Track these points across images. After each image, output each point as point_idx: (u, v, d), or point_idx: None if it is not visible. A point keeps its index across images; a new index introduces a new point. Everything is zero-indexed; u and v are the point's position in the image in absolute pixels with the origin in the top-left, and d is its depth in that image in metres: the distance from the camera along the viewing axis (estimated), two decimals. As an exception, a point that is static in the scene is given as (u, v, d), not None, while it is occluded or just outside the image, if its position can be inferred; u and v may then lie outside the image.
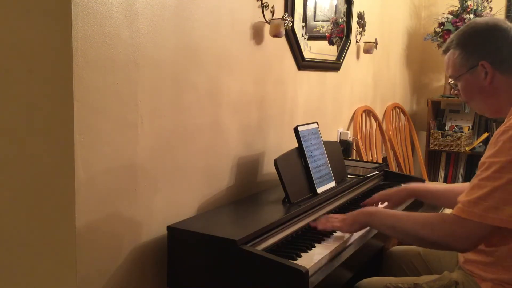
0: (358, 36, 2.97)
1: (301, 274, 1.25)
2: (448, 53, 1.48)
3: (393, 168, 3.41)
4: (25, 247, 1.36)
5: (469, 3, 3.67)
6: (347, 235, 1.60)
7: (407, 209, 1.98)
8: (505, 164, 1.24)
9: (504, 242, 1.32)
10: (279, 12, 2.05)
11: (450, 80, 1.52)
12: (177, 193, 1.61)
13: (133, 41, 1.38)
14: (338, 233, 1.62)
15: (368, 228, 1.63)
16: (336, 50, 2.77)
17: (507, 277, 1.33)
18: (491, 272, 1.36)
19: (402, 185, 2.18)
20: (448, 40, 1.49)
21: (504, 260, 1.34)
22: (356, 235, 1.62)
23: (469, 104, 1.51)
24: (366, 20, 2.97)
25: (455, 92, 1.52)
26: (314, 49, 2.48)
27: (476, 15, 3.60)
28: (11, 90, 1.31)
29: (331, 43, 2.72)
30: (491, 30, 1.40)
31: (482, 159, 1.32)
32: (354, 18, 2.90)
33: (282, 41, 2.15)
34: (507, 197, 1.24)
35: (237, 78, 1.86)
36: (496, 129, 1.34)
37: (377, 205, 1.89)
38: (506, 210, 1.23)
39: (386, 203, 1.87)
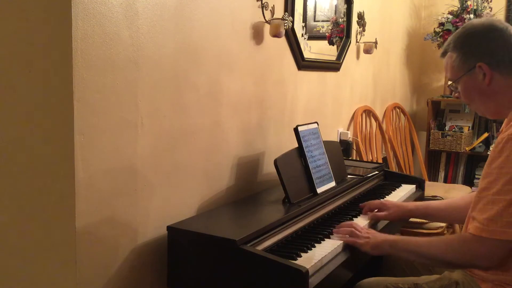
0: (358, 36, 2.97)
1: (301, 274, 1.25)
2: (446, 56, 1.48)
3: (393, 168, 3.41)
4: (25, 247, 1.36)
5: (469, 3, 3.67)
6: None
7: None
8: None
9: None
10: (279, 12, 2.05)
11: (449, 83, 1.51)
12: (177, 193, 1.61)
13: (133, 41, 1.38)
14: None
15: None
16: (336, 50, 2.77)
17: (508, 278, 1.33)
18: (492, 273, 1.36)
19: (402, 202, 2.11)
20: (445, 43, 1.49)
21: (505, 261, 1.33)
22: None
23: (470, 106, 1.50)
24: (366, 20, 2.97)
25: (456, 94, 1.51)
26: (314, 49, 2.48)
27: (476, 15, 3.61)
28: (11, 90, 1.31)
29: (331, 43, 2.72)
30: (487, 31, 1.40)
31: (488, 169, 1.30)
32: (354, 18, 2.90)
33: (282, 41, 2.15)
34: None
35: (237, 78, 1.86)
36: (496, 129, 1.35)
37: (372, 210, 1.85)
38: None
39: (381, 213, 1.83)
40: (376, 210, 1.84)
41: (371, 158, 3.12)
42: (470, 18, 3.58)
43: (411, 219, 2.39)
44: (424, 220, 2.63)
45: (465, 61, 1.41)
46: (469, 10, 3.65)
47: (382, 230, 1.74)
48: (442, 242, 1.40)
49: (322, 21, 2.63)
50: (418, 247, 1.44)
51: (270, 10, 1.96)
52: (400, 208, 1.80)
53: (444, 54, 1.49)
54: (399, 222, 1.95)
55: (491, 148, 3.70)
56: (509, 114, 1.39)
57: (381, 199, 1.98)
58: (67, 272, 1.30)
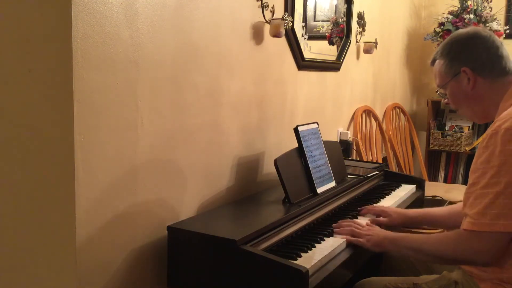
0: (358, 36, 2.97)
1: (301, 274, 1.25)
2: (435, 64, 1.55)
3: (393, 168, 3.41)
4: (25, 247, 1.36)
5: (469, 3, 3.67)
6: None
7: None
8: (499, 168, 1.26)
9: None
10: (279, 12, 2.05)
11: (438, 89, 1.58)
12: (177, 193, 1.61)
13: (133, 41, 1.38)
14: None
15: None
16: (336, 50, 2.77)
17: (506, 275, 1.34)
18: (490, 271, 1.37)
19: (402, 209, 2.09)
20: (434, 52, 1.57)
21: (503, 259, 1.34)
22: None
23: (458, 111, 1.56)
24: (366, 20, 2.97)
25: (445, 101, 1.57)
26: (314, 49, 2.48)
27: (476, 15, 3.61)
28: (11, 90, 1.31)
29: (331, 43, 2.72)
30: (471, 38, 1.48)
31: (474, 165, 1.34)
32: (354, 18, 2.90)
33: (282, 41, 2.15)
34: (511, 201, 1.25)
35: (237, 78, 1.86)
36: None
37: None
38: None
39: (383, 219, 1.84)
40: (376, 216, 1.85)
41: (371, 158, 3.12)
42: (470, 18, 3.58)
43: None
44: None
45: (451, 67, 1.49)
46: (469, 10, 3.65)
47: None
48: (440, 239, 1.43)
49: (322, 21, 2.63)
50: (417, 244, 1.47)
51: (270, 10, 1.96)
52: (401, 215, 1.82)
53: (433, 62, 1.57)
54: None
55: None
56: (497, 113, 1.41)
57: (382, 206, 1.95)
58: (67, 272, 1.30)
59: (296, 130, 1.85)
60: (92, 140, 1.29)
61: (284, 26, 1.98)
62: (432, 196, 3.12)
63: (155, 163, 1.50)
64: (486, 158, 1.29)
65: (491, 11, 3.70)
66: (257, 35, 1.96)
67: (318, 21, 2.59)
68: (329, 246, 1.50)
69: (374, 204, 1.95)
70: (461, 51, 1.48)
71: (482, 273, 1.39)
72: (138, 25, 1.39)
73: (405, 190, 2.24)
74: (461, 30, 1.55)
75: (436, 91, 1.60)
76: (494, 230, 1.26)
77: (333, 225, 1.65)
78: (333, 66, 2.71)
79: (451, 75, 1.49)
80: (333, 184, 1.95)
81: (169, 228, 1.48)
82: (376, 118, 3.28)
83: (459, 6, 3.71)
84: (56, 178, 1.27)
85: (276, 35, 1.99)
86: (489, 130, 1.32)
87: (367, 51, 3.04)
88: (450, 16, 3.69)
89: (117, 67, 1.34)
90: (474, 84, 1.45)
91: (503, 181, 1.25)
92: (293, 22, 2.11)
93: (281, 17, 1.98)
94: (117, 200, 1.38)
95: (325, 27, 2.66)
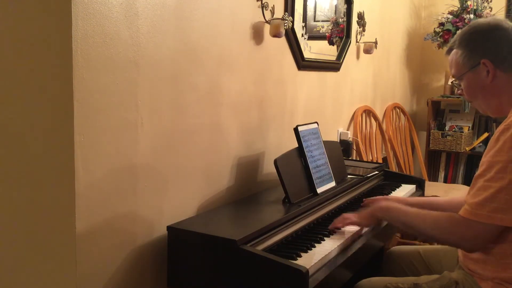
0: (358, 36, 2.97)
1: (301, 274, 1.25)
2: (452, 53, 1.51)
3: (393, 168, 3.41)
4: (25, 247, 1.36)
5: (469, 3, 3.67)
6: (346, 235, 1.60)
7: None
8: (507, 164, 1.27)
9: (503, 239, 1.33)
10: (279, 12, 2.05)
11: (453, 79, 1.56)
12: (177, 193, 1.61)
13: (133, 41, 1.38)
14: (338, 233, 1.62)
15: (367, 228, 1.67)
16: (336, 50, 2.77)
17: (507, 275, 1.34)
18: (491, 270, 1.37)
19: (405, 197, 2.14)
20: (451, 40, 1.52)
21: (504, 258, 1.34)
22: (356, 234, 1.62)
23: (472, 103, 1.54)
24: (366, 20, 2.97)
25: (459, 91, 1.55)
26: (314, 49, 2.48)
27: (476, 15, 3.60)
28: (11, 90, 1.31)
29: (331, 43, 2.72)
30: (492, 30, 1.43)
31: (484, 158, 1.34)
32: (354, 18, 2.90)
33: (282, 41, 2.15)
34: None
35: (237, 78, 1.86)
36: (496, 129, 1.36)
37: None
38: None
39: None
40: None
41: (371, 158, 3.12)
42: (470, 18, 3.58)
43: None
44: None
45: (470, 58, 1.45)
46: (469, 10, 3.65)
47: (383, 229, 1.75)
48: (432, 218, 1.44)
49: (322, 21, 2.63)
50: (408, 217, 1.50)
51: (270, 10, 1.96)
52: (400, 202, 1.81)
53: (449, 51, 1.52)
54: None
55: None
56: (511, 111, 1.40)
57: (385, 195, 1.98)
58: (67, 272, 1.30)
59: (296, 130, 1.85)
60: (92, 140, 1.29)
61: (284, 26, 1.98)
62: (432, 196, 3.12)
63: (155, 163, 1.51)
64: (495, 152, 1.30)
65: (491, 11, 3.70)
66: (257, 35, 1.96)
67: (318, 21, 2.59)
68: (329, 246, 1.50)
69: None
70: (482, 42, 1.44)
71: (483, 272, 1.39)
72: (138, 25, 1.39)
73: (405, 190, 2.24)
74: (481, 20, 1.50)
75: (451, 82, 1.59)
76: (491, 223, 1.29)
77: (329, 226, 1.66)
78: (333, 66, 2.71)
79: (469, 66, 1.45)
80: (333, 184, 1.95)
81: (169, 228, 1.48)
82: (376, 118, 3.28)
83: (459, 6, 3.71)
84: (56, 178, 1.27)
85: (276, 35, 1.99)
86: (502, 125, 1.32)
87: (367, 51, 3.04)
88: (450, 16, 3.69)
89: (117, 67, 1.34)
90: (493, 77, 1.42)
91: (507, 177, 1.26)
92: (293, 22, 2.11)
93: (281, 17, 1.98)
94: (117, 200, 1.38)
95: (325, 27, 2.66)
